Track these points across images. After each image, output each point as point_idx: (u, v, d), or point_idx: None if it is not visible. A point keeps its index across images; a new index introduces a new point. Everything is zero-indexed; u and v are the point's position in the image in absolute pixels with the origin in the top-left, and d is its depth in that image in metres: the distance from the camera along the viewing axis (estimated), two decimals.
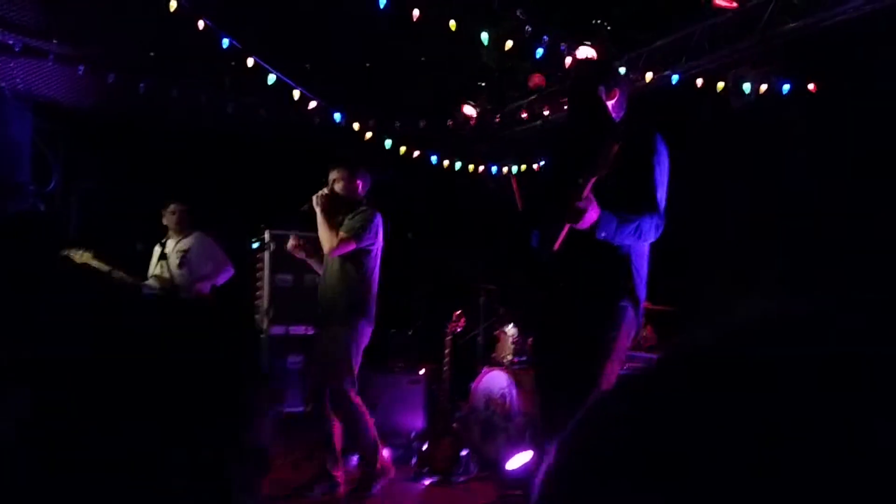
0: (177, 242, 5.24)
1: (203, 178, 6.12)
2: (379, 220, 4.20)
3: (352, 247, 4.08)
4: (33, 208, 5.47)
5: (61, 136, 5.90)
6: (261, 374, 0.76)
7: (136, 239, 5.08)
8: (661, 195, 2.72)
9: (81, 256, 4.60)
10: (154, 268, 5.18)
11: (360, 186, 4.27)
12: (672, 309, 4.42)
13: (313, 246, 4.36)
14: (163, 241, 5.21)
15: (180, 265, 5.16)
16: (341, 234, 4.09)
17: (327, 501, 4.04)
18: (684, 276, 4.42)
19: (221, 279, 5.26)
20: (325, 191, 4.18)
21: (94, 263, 4.68)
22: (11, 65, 5.17)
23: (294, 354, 6.00)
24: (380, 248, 4.25)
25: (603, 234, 2.56)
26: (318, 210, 4.10)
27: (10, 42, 4.84)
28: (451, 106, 6.06)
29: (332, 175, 4.23)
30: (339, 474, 4.18)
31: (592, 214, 2.51)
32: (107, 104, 5.83)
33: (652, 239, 2.70)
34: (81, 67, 5.00)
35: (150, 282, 5.08)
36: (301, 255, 4.34)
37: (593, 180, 2.49)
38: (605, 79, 2.88)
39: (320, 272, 4.36)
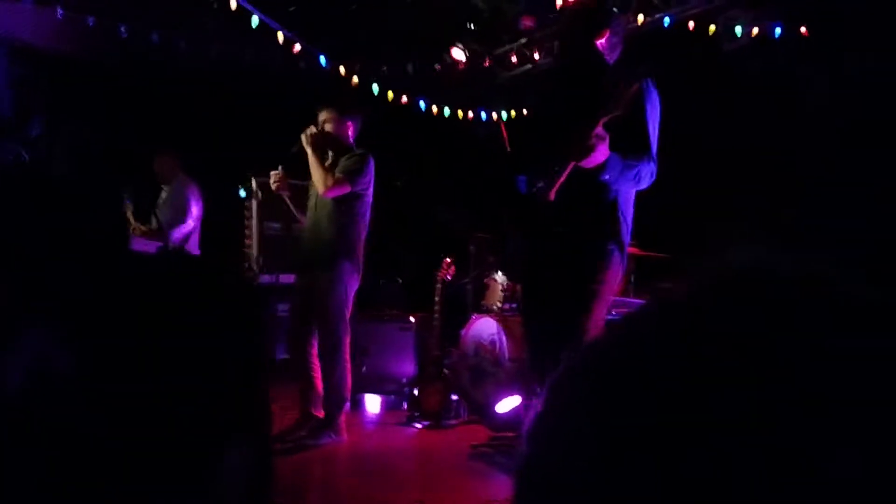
0: (166, 190, 5.28)
1: (188, 124, 6.03)
2: (372, 164, 4.11)
3: (346, 189, 3.98)
4: (17, 157, 5.40)
5: (42, 82, 5.77)
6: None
7: (123, 187, 5.04)
8: (654, 141, 2.71)
9: (126, 208, 4.62)
10: None
11: (351, 129, 4.17)
12: (657, 255, 4.44)
13: (297, 193, 4.28)
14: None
15: (156, 214, 5.17)
16: (337, 174, 3.98)
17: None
18: (672, 221, 4.43)
19: (179, 229, 5.21)
20: (313, 128, 4.03)
21: (130, 218, 4.71)
22: None
23: (284, 302, 6.01)
24: (371, 194, 4.18)
25: (607, 177, 2.55)
26: (308, 149, 3.97)
27: None
28: (439, 50, 5.95)
29: (322, 116, 4.10)
30: (320, 414, 4.19)
31: (601, 155, 2.49)
32: (87, 50, 5.69)
33: (646, 185, 2.70)
34: (60, 11, 4.86)
35: (145, 230, 5.10)
36: (284, 191, 4.19)
37: (606, 119, 2.46)
38: (598, 19, 2.83)
39: (298, 217, 4.29)
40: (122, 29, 4.97)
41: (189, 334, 0.71)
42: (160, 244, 4.31)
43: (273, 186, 4.19)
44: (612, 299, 2.80)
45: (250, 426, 0.74)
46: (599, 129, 2.46)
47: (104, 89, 5.85)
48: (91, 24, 4.93)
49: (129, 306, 0.73)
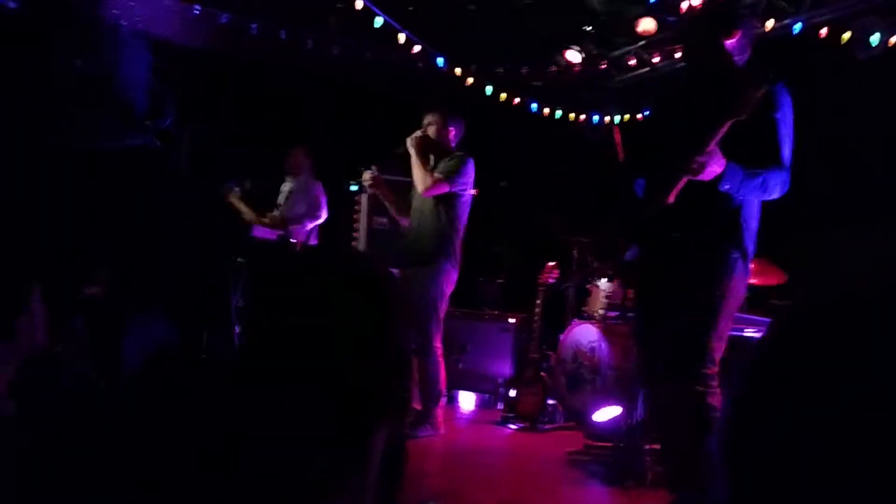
0: (289, 184, 5.50)
1: (308, 119, 6.27)
2: (472, 166, 4.24)
3: (445, 188, 4.14)
4: (151, 144, 5.78)
5: (176, 74, 6.13)
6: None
7: (245, 177, 5.30)
8: (787, 150, 2.58)
9: (232, 195, 4.90)
10: None
11: (453, 133, 4.32)
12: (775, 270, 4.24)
13: (396, 190, 4.43)
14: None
15: (280, 205, 5.41)
16: (436, 174, 4.15)
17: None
18: (789, 235, 4.23)
19: (310, 223, 5.42)
20: (419, 133, 4.23)
21: (241, 205, 4.99)
22: (132, 3, 5.39)
23: None
24: (470, 195, 4.29)
25: (727, 187, 2.47)
26: (412, 151, 4.15)
27: None
28: (554, 51, 5.91)
29: (427, 119, 4.29)
30: (418, 407, 4.28)
31: (717, 167, 2.42)
32: (218, 44, 6.00)
33: (777, 195, 2.58)
34: (198, 7, 5.15)
35: (265, 220, 5.35)
36: (378, 190, 4.38)
37: (728, 125, 2.39)
38: (729, 18, 2.73)
39: (395, 214, 4.47)
40: (254, 27, 5.21)
41: (339, 322, 0.75)
42: (281, 233, 4.50)
43: (367, 185, 4.35)
44: (735, 312, 2.70)
45: (395, 410, 0.78)
46: (712, 146, 2.39)
47: (233, 83, 6.15)
48: (224, 20, 5.20)
49: (286, 298, 0.77)
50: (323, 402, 0.71)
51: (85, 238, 4.22)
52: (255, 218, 5.29)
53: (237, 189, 5.05)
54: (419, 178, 4.14)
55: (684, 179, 2.49)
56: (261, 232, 4.81)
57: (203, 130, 5.94)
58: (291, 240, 4.62)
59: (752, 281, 3.84)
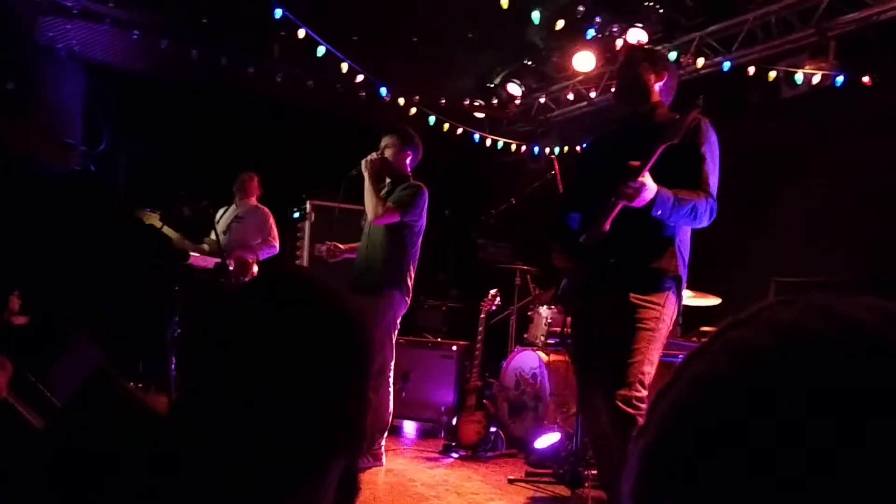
0: (236, 209, 5.37)
1: (248, 145, 6.22)
2: (426, 197, 4.17)
3: (396, 218, 4.06)
4: (85, 168, 5.63)
5: (112, 98, 6.02)
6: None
7: (183, 203, 5.19)
8: (714, 181, 2.71)
9: (150, 219, 4.75)
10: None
11: (409, 157, 4.26)
12: (713, 299, 4.38)
13: (351, 217, 4.41)
14: (227, 206, 5.42)
15: (225, 231, 5.27)
16: (388, 203, 4.06)
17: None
18: (717, 264, 4.38)
19: (266, 254, 5.35)
20: (376, 155, 4.14)
21: (163, 228, 4.84)
22: (68, 27, 5.28)
23: None
24: (423, 226, 4.23)
25: (659, 213, 2.57)
26: (366, 175, 4.05)
27: (69, 4, 4.94)
28: (496, 85, 6.04)
29: (384, 141, 4.21)
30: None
31: (648, 193, 2.51)
32: (158, 69, 5.93)
33: (705, 223, 2.70)
34: (136, 32, 5.09)
35: (203, 246, 5.20)
36: (334, 259, 4.37)
37: (661, 150, 2.49)
38: (653, 63, 2.89)
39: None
40: (194, 52, 5.17)
41: (293, 353, 0.73)
42: (218, 260, 4.41)
43: (328, 258, 4.39)
44: (667, 339, 2.78)
45: (351, 443, 0.77)
46: (643, 175, 2.50)
47: (172, 108, 6.07)
48: (164, 46, 5.14)
49: (234, 331, 0.75)
50: (276, 437, 0.70)
51: (8, 264, 4.08)
52: (187, 243, 5.11)
53: (151, 213, 4.90)
54: (371, 205, 4.04)
55: (620, 206, 2.57)
56: (197, 259, 4.69)
57: (139, 154, 5.83)
58: (230, 267, 4.52)
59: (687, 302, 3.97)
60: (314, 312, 0.77)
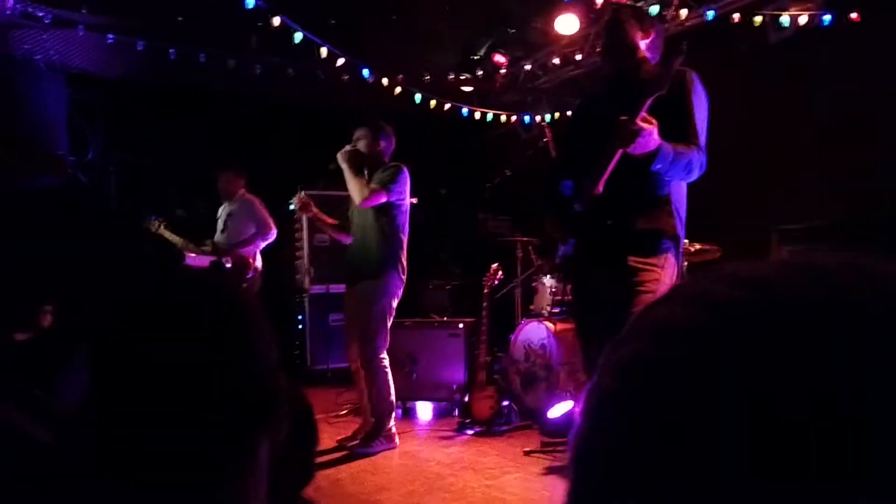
0: (226, 208, 5.42)
1: (238, 141, 6.17)
2: (407, 175, 4.22)
3: (383, 198, 4.10)
4: (74, 179, 5.60)
5: (96, 106, 5.97)
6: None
7: (176, 205, 5.18)
8: (703, 134, 2.67)
9: (156, 227, 4.77)
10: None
11: (384, 145, 4.29)
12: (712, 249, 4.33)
13: (334, 206, 4.40)
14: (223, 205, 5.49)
15: (223, 230, 5.32)
16: (372, 185, 4.12)
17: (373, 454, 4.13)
18: (719, 215, 4.34)
19: (263, 242, 5.38)
20: (349, 147, 4.20)
21: (167, 234, 4.86)
22: (44, 37, 5.23)
23: (335, 312, 6.10)
24: (408, 205, 4.27)
25: (659, 166, 2.51)
26: (343, 165, 4.12)
27: (41, 14, 4.87)
28: (480, 56, 5.95)
29: (356, 134, 4.27)
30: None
31: (651, 142, 2.44)
32: (138, 72, 5.87)
33: (696, 177, 2.67)
34: (111, 36, 5.02)
35: (206, 247, 5.25)
36: (308, 213, 4.32)
37: (650, 101, 2.43)
38: (639, 21, 2.83)
39: (333, 235, 4.43)
40: (172, 51, 5.11)
41: (187, 350, 0.73)
42: (213, 259, 4.41)
43: (297, 208, 4.31)
44: None
45: (272, 423, 0.76)
46: (645, 114, 2.43)
47: (156, 111, 6.03)
48: (140, 47, 5.08)
49: (133, 331, 0.75)
50: (183, 427, 0.69)
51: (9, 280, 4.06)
52: (191, 247, 5.17)
53: (156, 221, 4.93)
54: (355, 189, 4.09)
55: (618, 155, 2.51)
56: (193, 260, 4.69)
57: (129, 160, 5.79)
58: (226, 265, 4.51)
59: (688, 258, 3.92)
60: (205, 301, 0.77)
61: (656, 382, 0.36)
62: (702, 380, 0.34)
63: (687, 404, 0.34)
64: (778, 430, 0.31)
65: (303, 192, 4.29)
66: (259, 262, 5.41)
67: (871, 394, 0.31)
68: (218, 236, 5.36)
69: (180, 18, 5.04)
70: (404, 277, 4.23)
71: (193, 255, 4.89)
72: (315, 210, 4.32)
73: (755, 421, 0.32)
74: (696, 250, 4.03)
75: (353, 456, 4.07)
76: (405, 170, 4.22)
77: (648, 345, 0.39)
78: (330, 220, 4.41)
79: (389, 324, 4.20)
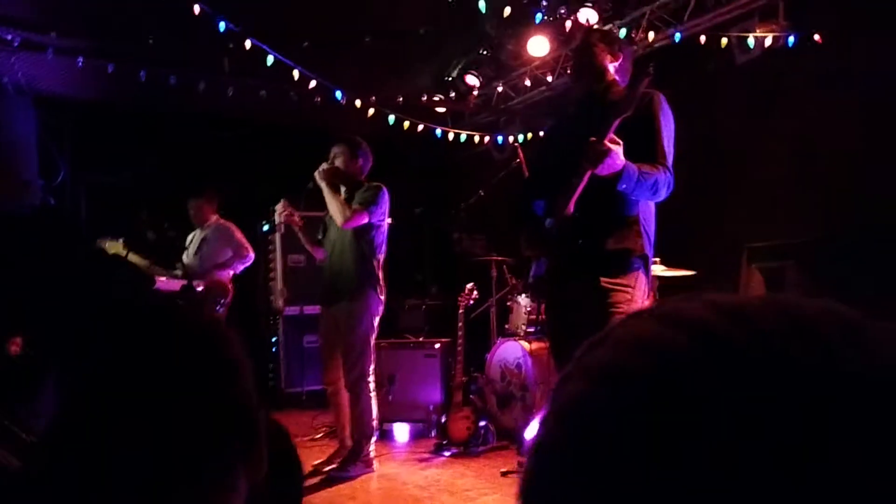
0: (201, 232, 5.36)
1: (207, 164, 6.14)
2: (387, 195, 4.20)
3: (364, 219, 4.06)
4: (45, 203, 5.53)
5: (66, 128, 5.91)
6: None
7: (147, 228, 5.12)
8: (670, 155, 2.72)
9: (113, 248, 4.69)
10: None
11: (361, 163, 4.26)
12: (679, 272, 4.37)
13: (312, 225, 4.37)
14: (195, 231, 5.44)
15: (196, 252, 5.26)
16: (354, 205, 4.07)
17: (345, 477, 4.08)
18: (692, 236, 4.39)
19: (241, 266, 5.32)
20: (326, 165, 4.15)
21: (128, 255, 4.78)
22: (12, 60, 5.17)
23: (310, 334, 6.05)
24: (387, 225, 4.26)
25: (623, 186, 2.55)
26: (322, 184, 4.07)
27: (9, 37, 4.83)
28: (453, 78, 5.99)
29: (334, 151, 4.23)
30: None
31: (616, 162, 2.48)
32: (108, 94, 5.83)
33: (663, 197, 2.71)
34: (81, 59, 4.98)
35: (176, 271, 5.19)
36: (288, 220, 4.26)
37: (617, 123, 2.47)
38: (608, 45, 2.88)
39: (308, 245, 4.37)
40: (142, 73, 5.08)
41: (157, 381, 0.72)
42: (184, 283, 4.35)
43: (282, 219, 4.27)
44: None
45: (249, 459, 0.75)
46: (612, 135, 2.47)
47: (127, 133, 5.98)
48: (111, 70, 5.04)
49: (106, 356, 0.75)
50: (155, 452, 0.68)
51: None
52: (158, 270, 5.08)
53: (118, 243, 4.85)
54: (337, 209, 4.04)
55: (587, 175, 2.54)
56: (164, 284, 4.63)
57: (99, 183, 5.73)
58: (197, 289, 4.46)
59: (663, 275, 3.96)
60: (178, 331, 0.76)
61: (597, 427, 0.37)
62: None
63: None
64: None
65: (283, 203, 4.25)
66: (231, 286, 5.36)
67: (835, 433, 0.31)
68: (190, 259, 5.29)
69: (151, 40, 5.03)
70: (383, 298, 4.20)
71: (164, 278, 4.82)
72: (298, 219, 4.27)
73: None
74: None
75: (330, 480, 4.03)
76: (385, 190, 4.18)
77: (589, 393, 0.40)
78: (306, 231, 4.37)
79: (372, 345, 4.17)
